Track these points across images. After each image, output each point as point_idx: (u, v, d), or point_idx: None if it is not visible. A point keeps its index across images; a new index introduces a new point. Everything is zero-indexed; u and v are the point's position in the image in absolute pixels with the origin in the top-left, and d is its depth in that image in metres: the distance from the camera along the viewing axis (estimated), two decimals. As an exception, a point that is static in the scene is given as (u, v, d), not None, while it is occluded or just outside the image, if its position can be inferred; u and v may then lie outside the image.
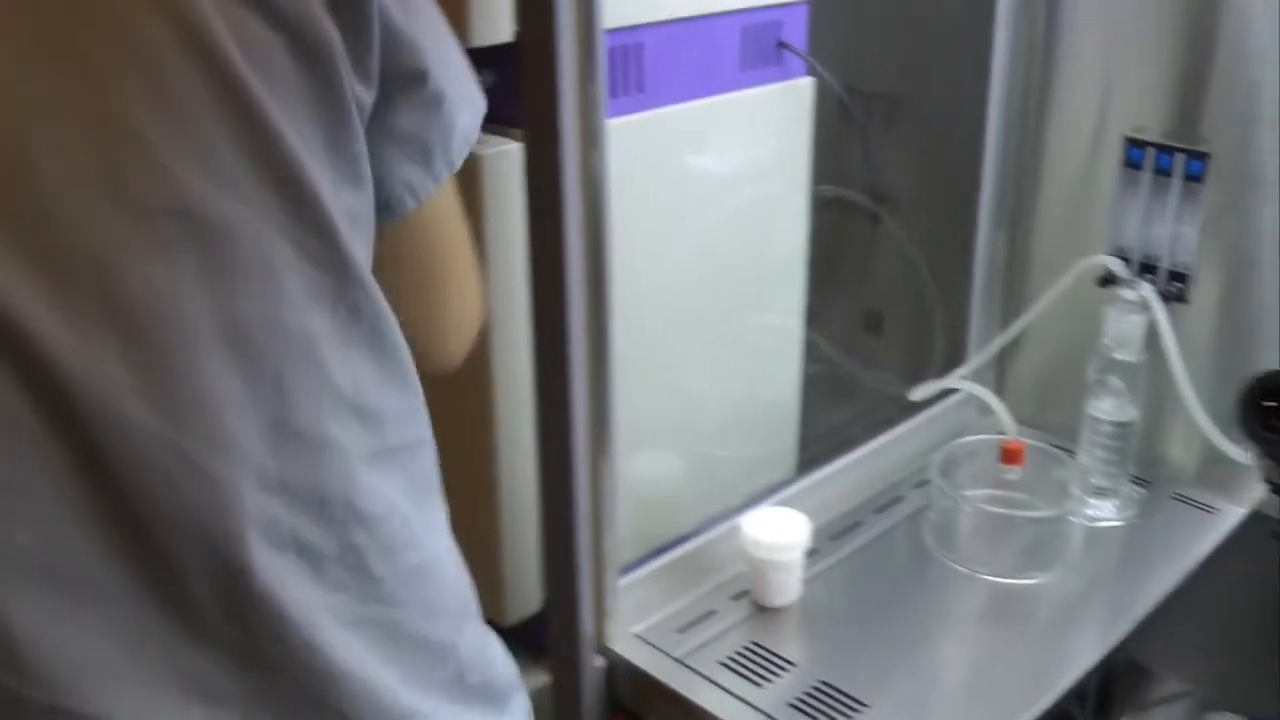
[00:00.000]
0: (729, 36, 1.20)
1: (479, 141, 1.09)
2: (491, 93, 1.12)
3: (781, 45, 1.24)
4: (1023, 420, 1.46)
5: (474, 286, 0.86)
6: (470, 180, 1.09)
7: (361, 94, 0.70)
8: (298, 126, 0.67)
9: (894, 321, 1.64)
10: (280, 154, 0.66)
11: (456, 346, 0.87)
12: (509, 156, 1.09)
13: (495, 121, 1.12)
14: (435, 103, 0.75)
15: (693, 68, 1.17)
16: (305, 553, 0.70)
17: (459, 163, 0.78)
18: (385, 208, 0.75)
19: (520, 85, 1.08)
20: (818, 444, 1.48)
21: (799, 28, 1.26)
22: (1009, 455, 1.31)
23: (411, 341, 0.79)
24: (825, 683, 1.12)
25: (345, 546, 0.72)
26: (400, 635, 0.77)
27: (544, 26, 0.95)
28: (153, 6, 0.62)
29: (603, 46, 0.99)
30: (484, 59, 1.10)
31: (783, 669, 1.14)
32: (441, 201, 0.79)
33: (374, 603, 0.75)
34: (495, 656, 0.88)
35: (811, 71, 1.28)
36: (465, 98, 0.78)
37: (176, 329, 0.64)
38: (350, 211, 0.71)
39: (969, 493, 1.31)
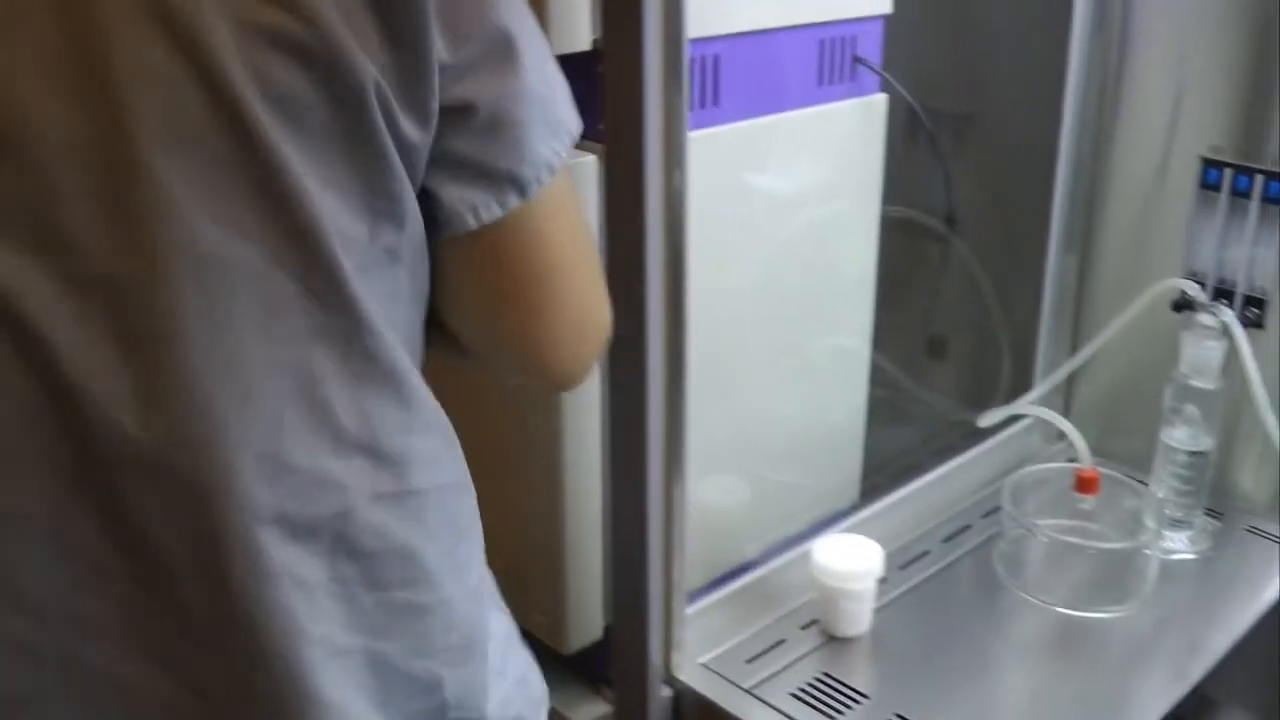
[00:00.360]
0: (806, 50, 1.17)
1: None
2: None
3: (857, 60, 1.21)
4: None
5: (585, 303, 0.82)
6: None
7: (409, 130, 0.68)
8: (322, 168, 0.66)
9: (958, 345, 1.61)
10: (292, 197, 0.65)
11: (568, 364, 0.83)
12: (585, 169, 1.06)
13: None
14: (495, 129, 0.72)
15: (768, 82, 1.14)
16: (292, 580, 0.69)
17: (535, 189, 0.74)
18: (446, 224, 0.74)
19: (597, 95, 1.05)
20: (880, 470, 1.44)
21: (874, 42, 1.23)
22: (1084, 484, 1.27)
23: (512, 358, 0.81)
24: (900, 715, 1.08)
25: (334, 578, 0.71)
26: (384, 666, 0.75)
27: (630, 35, 0.93)
28: (161, 34, 0.61)
29: (687, 57, 0.96)
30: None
31: (855, 701, 1.11)
32: (530, 220, 0.76)
33: (359, 634, 0.73)
34: (488, 697, 0.83)
35: (885, 88, 1.25)
36: (545, 121, 0.74)
37: (178, 353, 0.64)
38: (389, 249, 0.71)
39: (1041, 522, 1.27)
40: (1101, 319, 1.44)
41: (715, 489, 1.26)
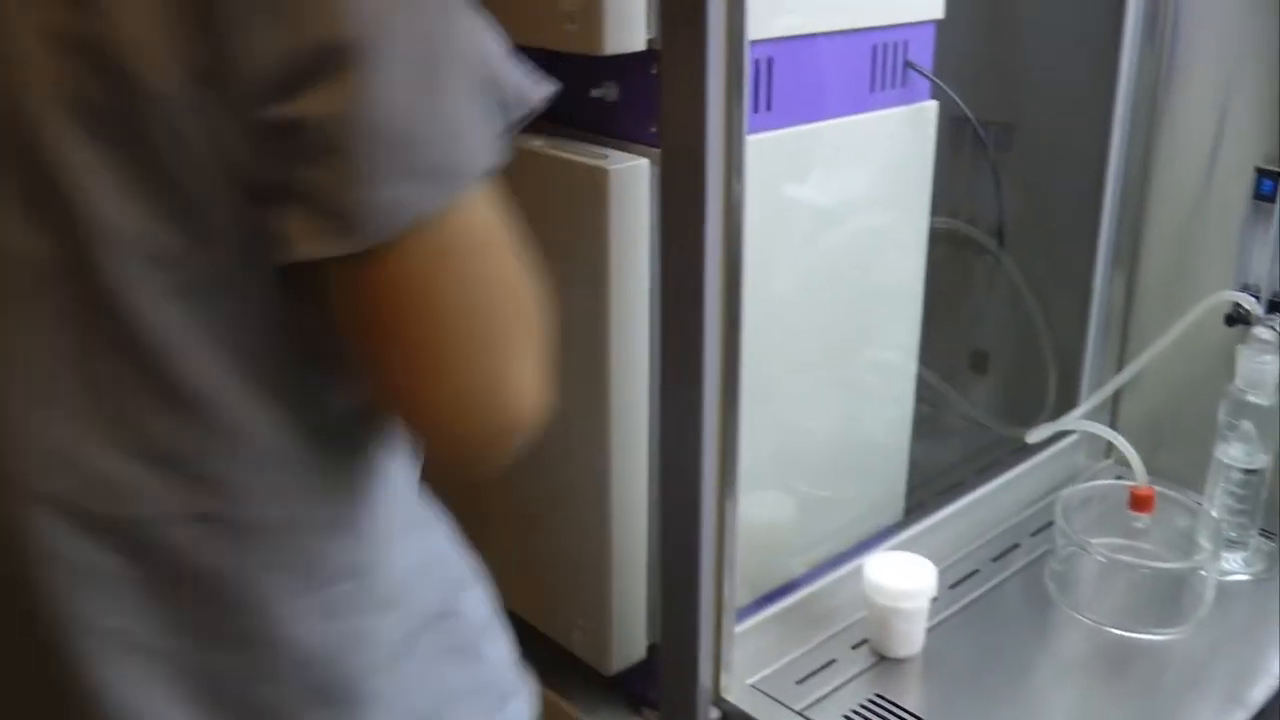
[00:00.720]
0: (859, 55, 1.14)
1: (603, 156, 1.05)
2: (614, 107, 1.08)
3: (909, 65, 1.18)
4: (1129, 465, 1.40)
5: (474, 379, 0.69)
6: (596, 196, 1.03)
7: (232, 143, 0.62)
8: (119, 178, 0.63)
9: (999, 360, 1.57)
10: (80, 206, 0.63)
11: (450, 442, 0.71)
12: (637, 173, 1.03)
13: (615, 135, 1.08)
14: (322, 156, 0.62)
15: (820, 87, 1.11)
16: (75, 568, 0.69)
17: (374, 233, 0.62)
18: (276, 251, 0.65)
19: (650, 97, 1.03)
20: (924, 487, 1.41)
21: (926, 48, 1.20)
22: (1139, 502, 1.24)
23: (398, 421, 0.73)
24: (958, 740, 1.05)
25: (144, 578, 0.70)
26: (215, 679, 0.73)
27: (692, 35, 0.90)
28: None
29: (749, 58, 0.93)
30: (608, 70, 1.05)
31: (911, 725, 1.07)
32: (388, 268, 0.65)
33: (175, 638, 0.71)
34: None
35: (936, 94, 1.22)
36: (400, 160, 0.62)
37: None
38: (211, 270, 0.66)
39: (1093, 540, 1.24)
40: (1149, 333, 1.41)
41: (759, 505, 1.22)
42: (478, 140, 0.65)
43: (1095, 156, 1.40)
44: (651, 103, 1.02)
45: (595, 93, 1.07)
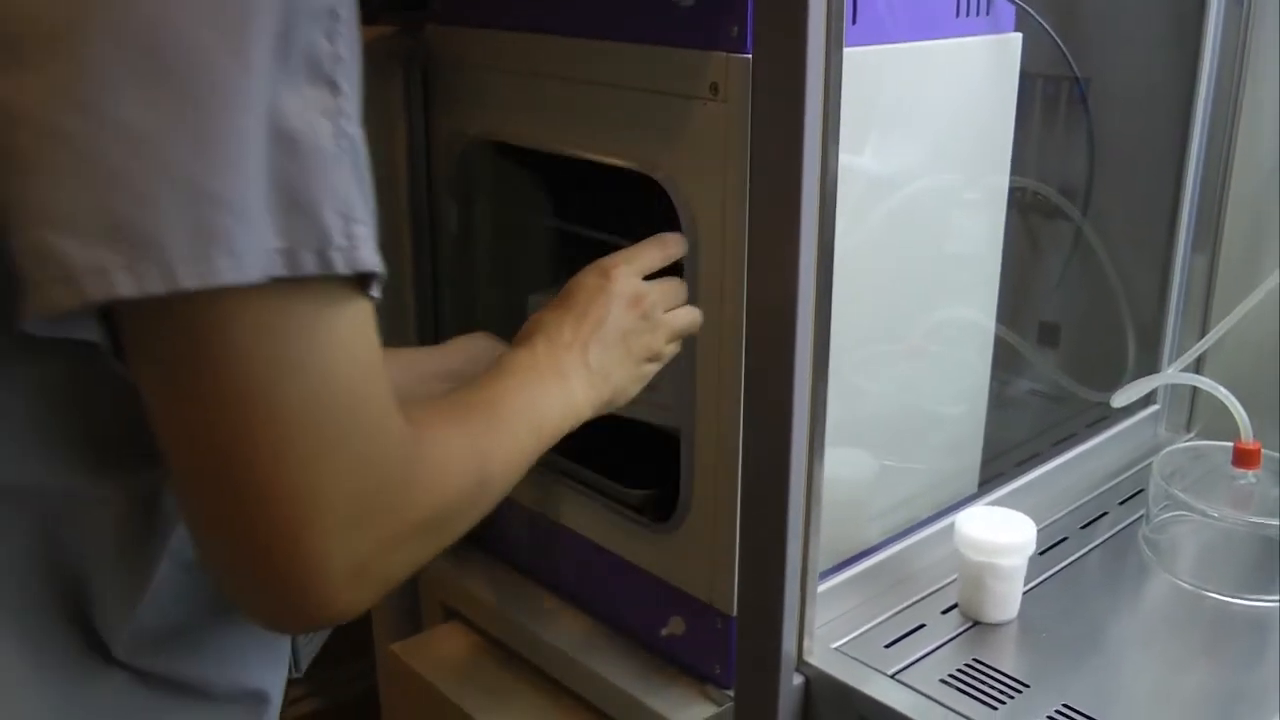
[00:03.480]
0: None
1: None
2: (691, 12, 0.99)
3: (998, -11, 1.12)
4: (1214, 436, 1.33)
5: (262, 521, 0.56)
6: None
7: None
8: None
9: (1070, 330, 1.50)
10: None
11: (220, 572, 0.60)
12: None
13: (690, 45, 1.00)
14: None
15: (906, 3, 1.05)
16: None
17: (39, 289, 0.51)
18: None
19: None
20: (996, 460, 1.33)
21: (1007, -20, 1.14)
22: (1244, 457, 1.16)
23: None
24: (1069, 706, 0.97)
25: None
26: None
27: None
28: None
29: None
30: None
31: (1016, 690, 0.99)
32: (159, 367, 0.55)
33: None
34: None
35: (1020, 26, 1.16)
36: (84, 180, 0.50)
37: None
38: None
39: (1194, 503, 1.16)
40: (1232, 302, 1.34)
41: (835, 472, 1.14)
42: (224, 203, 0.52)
43: (1178, 113, 1.34)
44: (731, 4, 0.95)
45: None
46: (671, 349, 1.02)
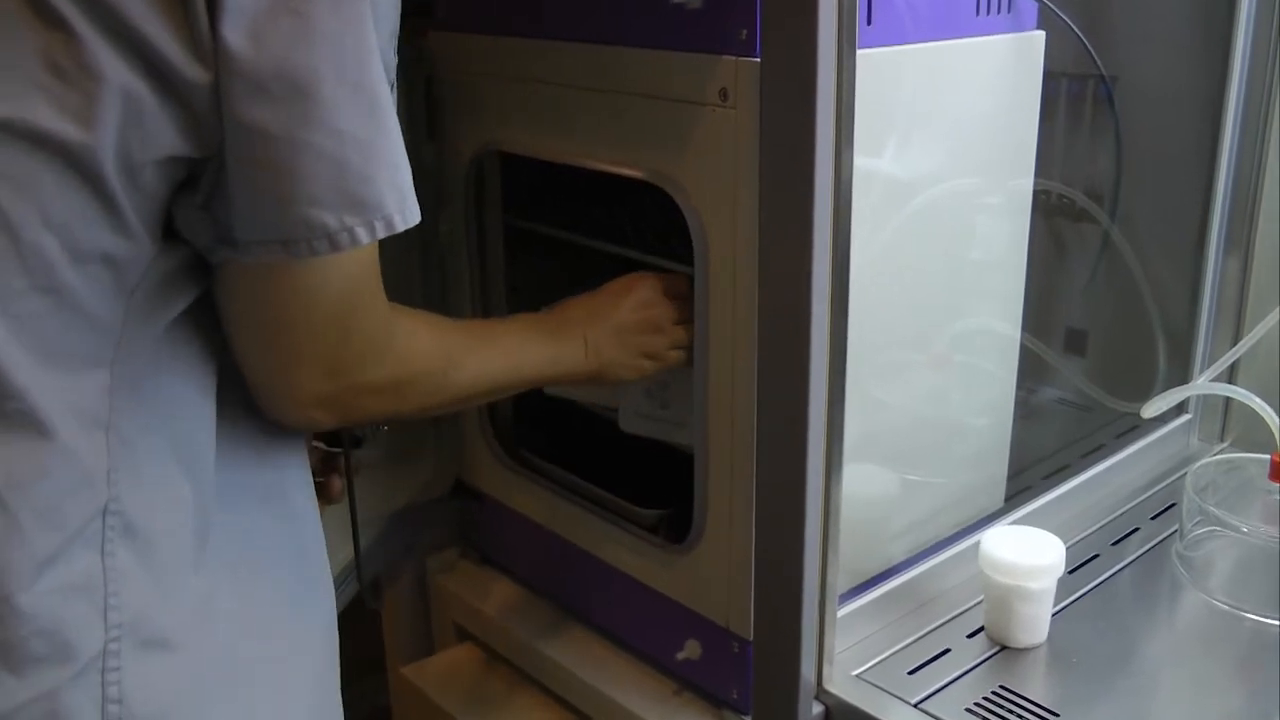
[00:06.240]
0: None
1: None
2: (698, 15, 0.96)
3: (1020, -13, 1.08)
4: (1249, 447, 1.28)
5: (299, 375, 0.82)
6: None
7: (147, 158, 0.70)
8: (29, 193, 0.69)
9: (1098, 339, 1.45)
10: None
11: (280, 412, 0.85)
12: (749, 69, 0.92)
13: (699, 49, 0.96)
14: (205, 185, 0.74)
15: (924, 3, 1.01)
16: None
17: (256, 255, 0.75)
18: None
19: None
20: (1024, 474, 1.29)
21: (1030, -22, 1.10)
22: (1280, 471, 1.12)
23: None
24: (1101, 734, 0.93)
25: None
26: None
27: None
28: None
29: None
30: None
31: (1045, 719, 0.95)
32: (269, 277, 0.77)
33: None
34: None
35: (1043, 23, 1.12)
36: (268, 202, 0.72)
37: None
38: (104, 254, 0.72)
39: (1229, 519, 1.12)
40: (1267, 303, 1.29)
41: (854, 489, 1.10)
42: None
43: (1209, 111, 1.30)
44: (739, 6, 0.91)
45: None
46: (676, 355, 1.08)
